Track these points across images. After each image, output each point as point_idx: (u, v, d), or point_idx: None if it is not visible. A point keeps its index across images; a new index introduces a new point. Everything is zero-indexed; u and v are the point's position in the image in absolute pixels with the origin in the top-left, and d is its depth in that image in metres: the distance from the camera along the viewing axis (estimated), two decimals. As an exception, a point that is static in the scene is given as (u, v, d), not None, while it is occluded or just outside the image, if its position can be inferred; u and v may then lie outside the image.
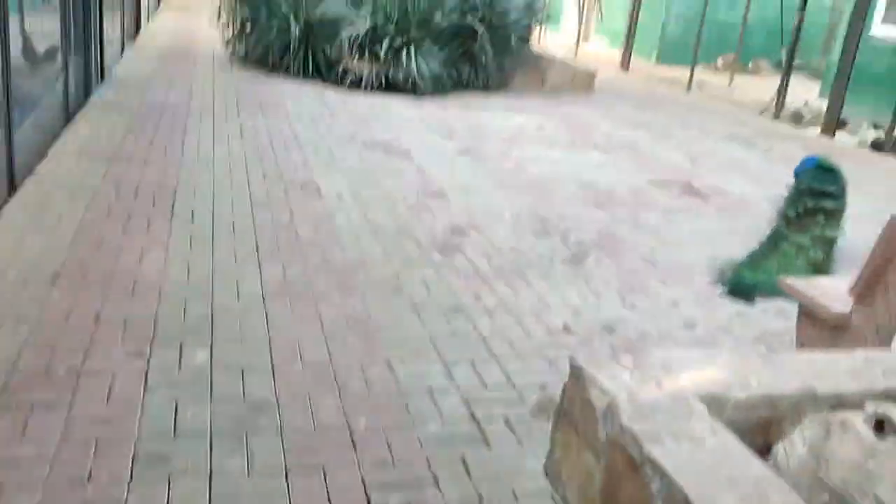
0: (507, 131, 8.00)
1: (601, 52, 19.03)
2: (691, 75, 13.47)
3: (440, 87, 9.56)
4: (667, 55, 18.51)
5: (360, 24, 9.39)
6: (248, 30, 10.13)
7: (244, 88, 8.66)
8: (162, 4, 17.25)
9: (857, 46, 9.49)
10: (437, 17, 9.52)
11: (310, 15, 9.50)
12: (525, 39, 10.82)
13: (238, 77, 9.34)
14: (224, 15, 10.40)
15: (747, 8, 16.01)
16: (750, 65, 18.31)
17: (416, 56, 9.31)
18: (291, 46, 9.48)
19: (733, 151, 8.25)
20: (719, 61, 18.07)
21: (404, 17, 9.48)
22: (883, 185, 7.28)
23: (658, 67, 17.76)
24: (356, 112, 8.09)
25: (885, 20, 11.86)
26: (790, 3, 18.05)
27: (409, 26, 9.45)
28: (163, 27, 13.26)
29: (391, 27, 9.38)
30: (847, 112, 10.06)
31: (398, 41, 9.35)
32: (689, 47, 18.54)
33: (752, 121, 10.63)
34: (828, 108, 9.91)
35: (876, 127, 11.22)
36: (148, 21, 13.64)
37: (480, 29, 9.76)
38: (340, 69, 9.36)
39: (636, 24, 14.72)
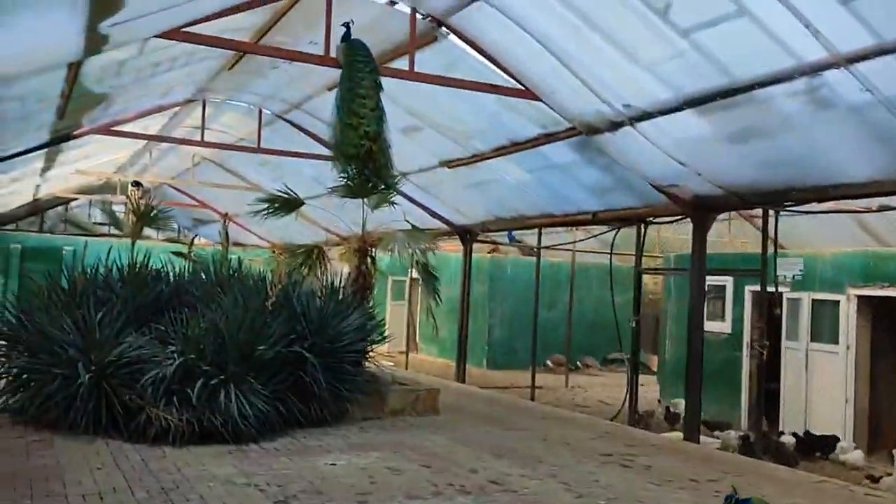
0: (357, 483, 6.55)
1: (429, 361, 18.57)
2: (533, 382, 12.92)
3: (267, 428, 8.09)
4: (496, 360, 18.35)
5: (168, 364, 7.96)
6: (23, 380, 8.35)
7: (8, 448, 6.75)
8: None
9: (702, 347, 9.32)
10: (261, 348, 8.32)
11: (103, 357, 7.97)
12: (359, 363, 9.80)
13: (4, 441, 7.39)
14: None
15: (570, 309, 16.38)
16: (578, 363, 18.42)
17: (235, 395, 7.90)
18: (79, 397, 7.76)
19: (614, 476, 7.24)
20: (548, 362, 18.11)
21: (221, 352, 8.19)
22: None
23: (490, 373, 17.39)
24: (160, 478, 6.36)
25: (708, 318, 12.18)
26: (602, 301, 18.75)
27: (228, 361, 8.14)
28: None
29: (205, 364, 8.02)
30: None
31: (214, 380, 7.95)
32: (516, 351, 18.59)
33: (613, 430, 9.89)
34: (687, 412, 9.43)
35: (726, 425, 10.95)
36: None
37: (311, 357, 8.64)
38: (143, 419, 7.70)
39: (466, 333, 14.32)
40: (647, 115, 7.80)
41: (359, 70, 7.25)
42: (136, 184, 22.43)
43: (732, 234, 17.24)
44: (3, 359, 8.71)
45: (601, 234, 17.45)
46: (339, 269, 14.12)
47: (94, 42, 6.07)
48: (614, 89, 7.71)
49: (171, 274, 10.12)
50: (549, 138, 9.46)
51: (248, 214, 21.00)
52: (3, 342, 8.81)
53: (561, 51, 7.60)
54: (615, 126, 8.24)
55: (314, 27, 8.52)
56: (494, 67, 8.39)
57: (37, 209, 23.44)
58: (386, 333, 9.98)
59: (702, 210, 9.21)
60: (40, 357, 8.22)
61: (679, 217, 9.79)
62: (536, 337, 13.04)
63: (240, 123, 14.20)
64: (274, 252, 24.26)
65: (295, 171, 14.92)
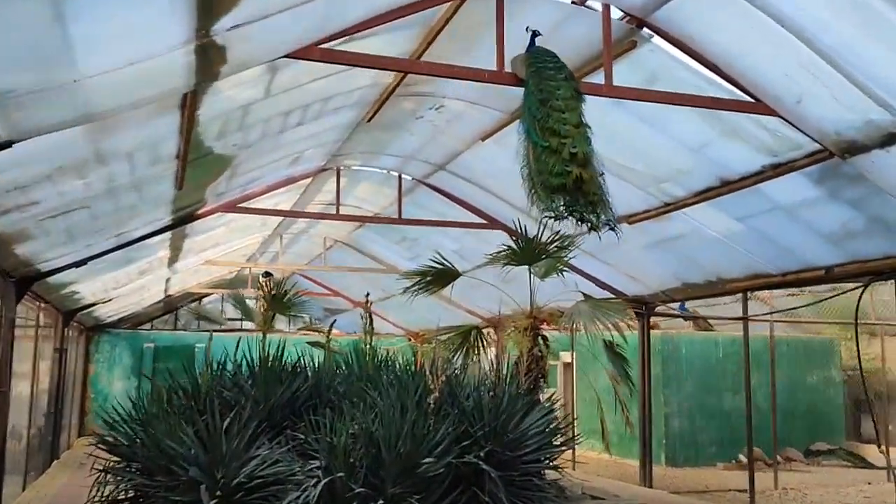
0: None
1: (593, 458, 16.04)
2: (751, 487, 10.27)
3: (440, 571, 6.06)
4: (675, 456, 15.54)
5: (310, 485, 6.13)
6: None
7: None
8: (60, 459, 13.88)
9: None
10: (426, 461, 6.37)
11: (231, 477, 6.23)
12: (542, 473, 7.67)
13: None
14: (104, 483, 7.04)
15: (773, 392, 13.61)
16: (778, 457, 15.39)
17: (399, 526, 5.94)
18: (201, 530, 6.02)
19: None
20: (741, 456, 15.21)
21: (377, 466, 6.30)
22: None
23: (672, 472, 14.67)
24: None
25: None
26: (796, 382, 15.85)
27: (385, 479, 6.23)
28: None
29: (358, 484, 6.13)
30: None
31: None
32: (699, 444, 15.79)
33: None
34: None
35: None
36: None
37: (489, 470, 6.61)
38: (281, 562, 5.85)
39: (650, 426, 11.89)
40: (948, 117, 5.55)
41: (550, 78, 5.46)
42: (267, 274, 21.52)
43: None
44: (118, 478, 7.16)
45: (801, 306, 14.79)
46: (491, 354, 12.21)
47: (208, 56, 4.54)
48: (900, 84, 5.53)
49: (308, 368, 8.44)
50: (778, 170, 7.26)
51: (381, 300, 19.64)
52: (116, 458, 7.31)
53: (817, 38, 5.54)
54: (892, 139, 6.00)
55: (468, 53, 6.87)
56: (713, 76, 6.39)
57: (170, 306, 22.94)
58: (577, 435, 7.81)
59: None
60: (157, 479, 6.60)
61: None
62: (751, 426, 10.47)
63: (375, 195, 12.75)
64: (411, 340, 22.73)
65: (435, 245, 13.19)
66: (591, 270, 11.61)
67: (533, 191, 5.24)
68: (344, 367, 8.92)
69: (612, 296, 11.90)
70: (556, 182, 5.07)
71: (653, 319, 15.40)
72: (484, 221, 11.53)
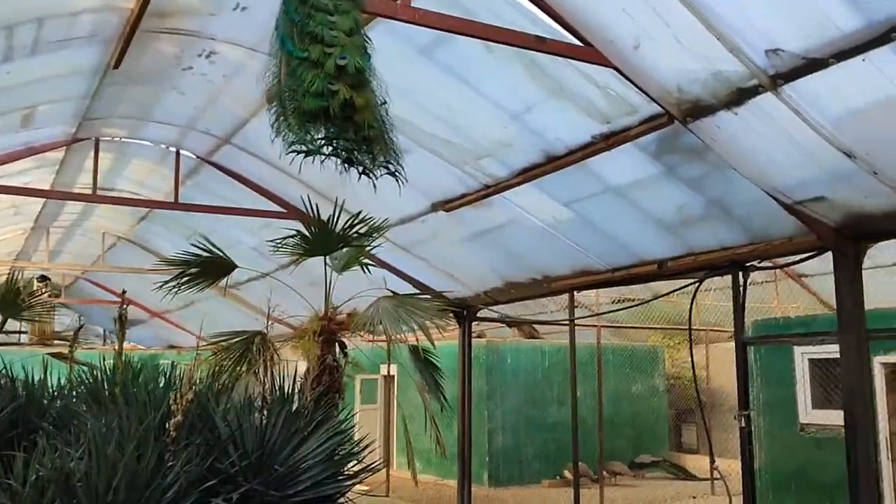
0: None
1: (410, 479, 14.69)
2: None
3: None
4: (498, 475, 14.44)
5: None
6: None
7: None
8: None
9: (874, 449, 5.89)
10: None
11: None
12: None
13: None
14: None
15: (600, 404, 12.79)
16: (604, 472, 14.70)
17: None
18: None
19: None
20: (566, 472, 14.39)
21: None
22: None
23: (496, 493, 13.57)
24: None
25: (814, 405, 8.84)
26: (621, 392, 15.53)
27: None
28: None
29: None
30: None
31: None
32: (524, 461, 14.80)
33: None
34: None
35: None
36: None
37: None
38: None
39: (469, 443, 10.65)
40: (810, 67, 4.57)
41: (316, -30, 3.93)
42: (44, 278, 18.70)
43: (780, 297, 14.13)
44: None
45: (619, 309, 14.19)
46: (292, 366, 10.57)
47: None
48: (758, 26, 4.51)
49: (20, 387, 6.36)
50: (610, 141, 6.16)
51: (181, 308, 17.35)
52: None
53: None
54: (742, 96, 4.99)
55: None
56: (540, 14, 5.14)
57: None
58: (373, 461, 6.29)
59: (855, 240, 5.93)
60: None
61: (809, 254, 6.50)
62: (577, 439, 9.43)
63: (153, 177, 10.74)
64: (218, 354, 20.46)
65: (231, 242, 11.33)
66: (405, 268, 10.23)
67: (282, 118, 3.66)
68: (96, 385, 6.94)
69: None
70: (313, 105, 3.50)
71: (478, 328, 14.30)
72: (282, 210, 9.85)
